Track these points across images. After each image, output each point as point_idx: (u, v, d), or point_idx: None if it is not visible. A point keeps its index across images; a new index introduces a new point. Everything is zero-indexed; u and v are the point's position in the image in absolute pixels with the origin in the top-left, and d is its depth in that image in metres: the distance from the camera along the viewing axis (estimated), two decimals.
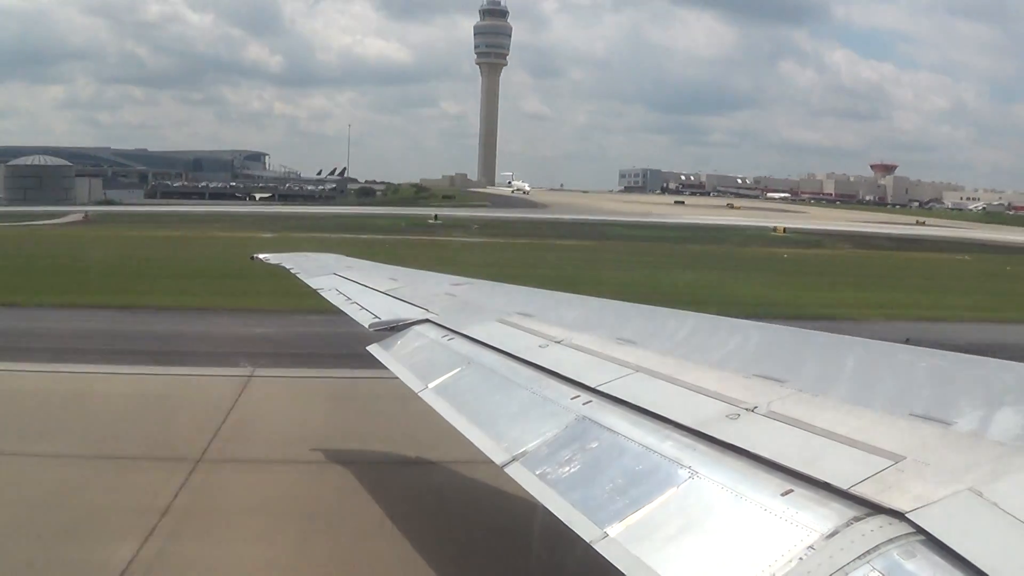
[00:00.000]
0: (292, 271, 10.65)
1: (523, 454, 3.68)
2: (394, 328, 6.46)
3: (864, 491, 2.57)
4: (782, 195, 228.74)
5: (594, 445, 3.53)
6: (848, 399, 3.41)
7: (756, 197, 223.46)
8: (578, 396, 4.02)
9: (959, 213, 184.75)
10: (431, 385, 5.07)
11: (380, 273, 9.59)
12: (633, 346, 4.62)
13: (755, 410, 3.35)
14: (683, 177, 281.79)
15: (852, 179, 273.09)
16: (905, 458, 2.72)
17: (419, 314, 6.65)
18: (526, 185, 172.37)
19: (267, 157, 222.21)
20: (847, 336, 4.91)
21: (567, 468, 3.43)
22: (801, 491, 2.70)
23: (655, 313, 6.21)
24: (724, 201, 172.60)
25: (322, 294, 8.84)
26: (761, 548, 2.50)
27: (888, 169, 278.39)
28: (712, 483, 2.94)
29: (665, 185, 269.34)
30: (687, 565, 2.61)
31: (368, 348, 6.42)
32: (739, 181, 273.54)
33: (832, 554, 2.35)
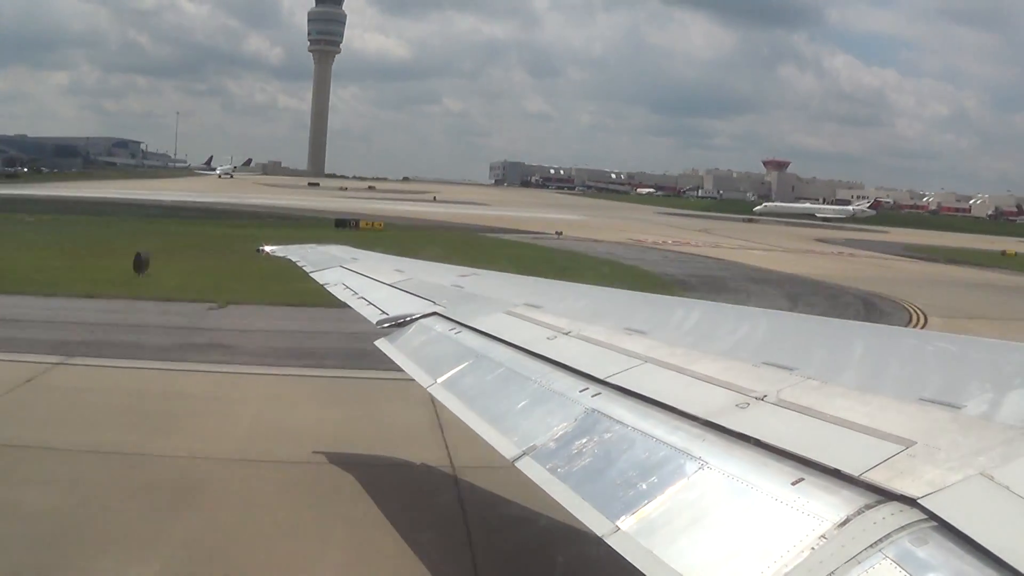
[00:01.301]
0: (299, 264, 10.65)
1: (533, 448, 3.68)
2: (401, 323, 6.45)
3: (875, 478, 2.56)
4: (648, 190, 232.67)
5: (604, 438, 3.52)
6: (857, 385, 3.40)
7: (626, 192, 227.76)
8: (587, 388, 4.02)
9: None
10: (439, 380, 5.07)
11: (386, 265, 9.58)
12: (641, 336, 4.61)
13: (765, 399, 3.35)
14: (552, 171, 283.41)
15: (735, 175, 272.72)
16: (916, 443, 2.71)
17: (426, 307, 6.64)
18: (217, 169, 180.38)
19: (142, 144, 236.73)
20: (855, 322, 4.90)
21: (577, 462, 3.43)
22: (812, 479, 2.69)
23: (663, 302, 6.20)
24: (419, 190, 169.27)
25: (328, 289, 8.84)
26: (774, 538, 2.50)
27: (781, 166, 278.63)
28: (723, 474, 2.93)
29: (528, 178, 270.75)
30: (699, 558, 2.61)
31: (376, 343, 6.42)
32: (613, 176, 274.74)
33: (844, 543, 2.35)
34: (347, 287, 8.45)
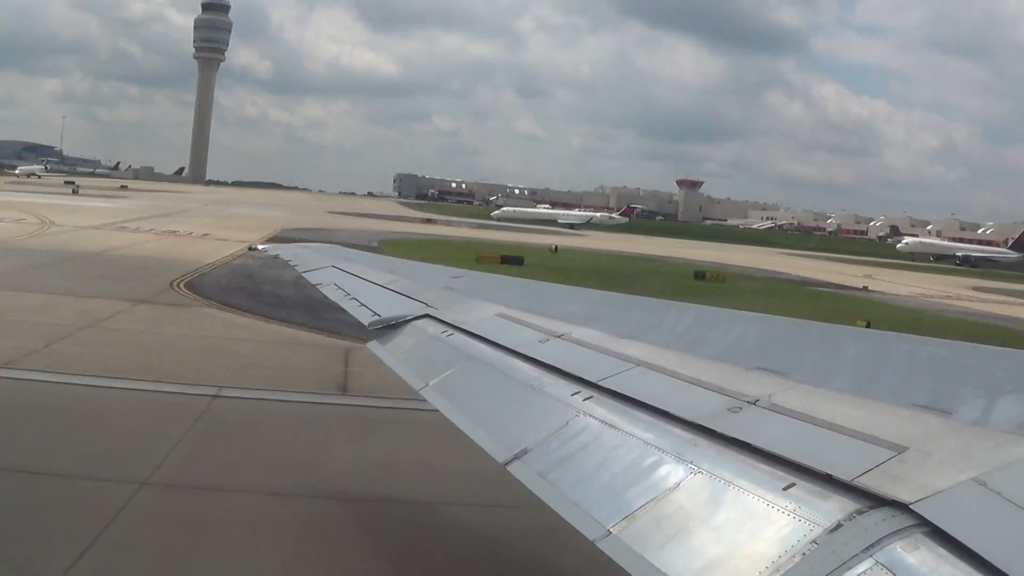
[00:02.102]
0: (290, 263, 10.67)
1: (524, 452, 3.67)
2: (393, 324, 6.44)
3: (867, 483, 2.55)
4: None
5: (595, 441, 3.51)
6: (850, 390, 3.40)
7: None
8: (579, 392, 4.00)
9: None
10: (431, 383, 5.05)
11: (378, 265, 9.59)
12: (634, 340, 4.61)
13: (757, 403, 3.34)
14: (453, 185, 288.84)
15: (642, 193, 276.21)
16: (908, 449, 2.70)
17: (418, 308, 6.62)
18: (17, 169, 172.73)
19: (57, 148, 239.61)
20: (848, 327, 4.91)
21: (569, 465, 3.42)
22: (804, 484, 2.69)
23: (655, 306, 6.20)
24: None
25: (320, 289, 8.83)
26: (765, 543, 2.49)
27: (694, 185, 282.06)
28: (714, 478, 2.93)
29: (425, 191, 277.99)
30: (690, 562, 2.60)
31: (367, 345, 6.40)
32: (517, 192, 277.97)
33: (835, 548, 2.34)
34: (339, 287, 8.43)
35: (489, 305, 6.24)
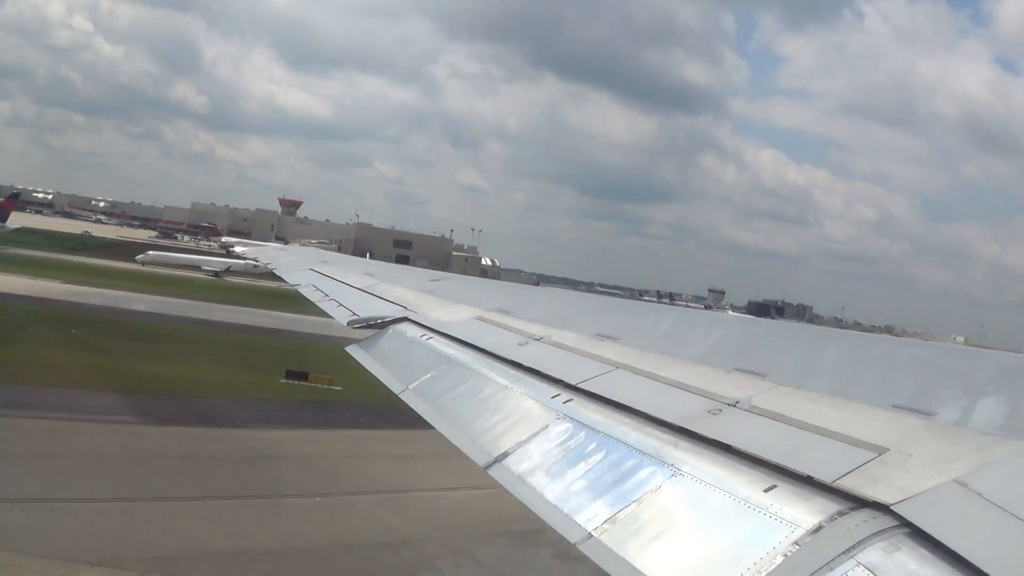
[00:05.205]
0: (268, 266, 10.65)
1: (504, 455, 3.64)
2: (372, 326, 6.39)
3: (848, 484, 2.54)
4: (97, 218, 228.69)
5: (576, 444, 3.49)
6: (830, 392, 3.39)
7: (98, 221, 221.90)
8: (559, 395, 3.98)
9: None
10: (411, 386, 5.01)
11: (357, 268, 9.56)
12: (613, 342, 4.59)
13: (737, 405, 3.33)
14: (39, 195, 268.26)
15: (215, 209, 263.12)
16: (888, 450, 2.70)
17: (398, 312, 6.58)
18: None
19: None
20: (828, 328, 4.93)
21: (549, 468, 3.39)
22: (785, 486, 2.67)
23: (635, 308, 6.20)
24: None
25: (299, 290, 8.79)
26: (747, 546, 2.47)
27: (293, 204, 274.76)
28: (695, 480, 2.91)
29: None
30: (672, 565, 2.58)
31: (347, 349, 6.34)
32: (101, 204, 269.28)
33: (817, 550, 2.33)
34: (317, 289, 8.39)
35: (468, 308, 6.20)
